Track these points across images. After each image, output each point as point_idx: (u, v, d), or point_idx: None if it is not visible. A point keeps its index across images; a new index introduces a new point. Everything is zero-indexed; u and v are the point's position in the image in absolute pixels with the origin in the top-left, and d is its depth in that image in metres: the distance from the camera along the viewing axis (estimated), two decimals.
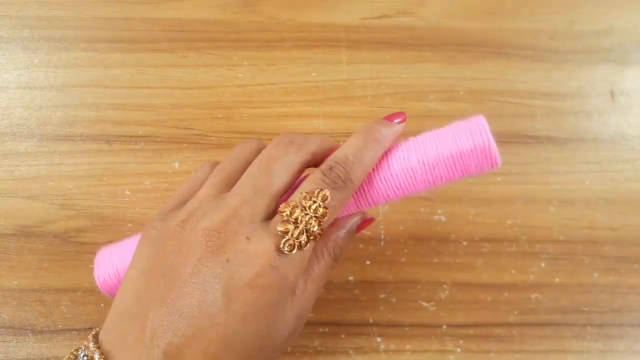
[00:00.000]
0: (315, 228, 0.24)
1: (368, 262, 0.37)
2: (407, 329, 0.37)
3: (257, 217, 0.25)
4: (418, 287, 0.37)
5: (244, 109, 0.39)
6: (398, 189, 0.27)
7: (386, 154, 0.28)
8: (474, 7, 0.42)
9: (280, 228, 0.24)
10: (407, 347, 0.37)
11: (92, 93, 0.39)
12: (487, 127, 0.26)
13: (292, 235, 0.24)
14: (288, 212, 0.24)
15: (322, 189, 0.25)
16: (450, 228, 0.38)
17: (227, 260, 0.23)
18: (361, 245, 0.38)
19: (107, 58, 0.39)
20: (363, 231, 0.37)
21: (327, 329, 0.36)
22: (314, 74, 0.40)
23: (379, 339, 0.37)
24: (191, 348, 0.22)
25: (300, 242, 0.24)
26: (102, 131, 0.38)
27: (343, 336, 0.36)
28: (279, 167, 0.26)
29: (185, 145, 0.38)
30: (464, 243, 0.38)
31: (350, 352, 0.36)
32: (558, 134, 0.40)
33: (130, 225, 0.37)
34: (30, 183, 0.37)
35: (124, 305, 0.24)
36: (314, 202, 0.24)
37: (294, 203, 0.24)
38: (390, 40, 0.41)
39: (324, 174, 0.26)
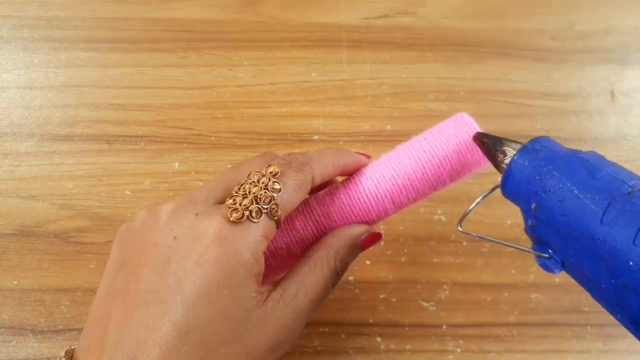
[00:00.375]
0: (267, 200, 0.23)
1: (368, 262, 0.37)
2: (407, 329, 0.37)
3: (211, 198, 0.24)
4: (418, 287, 0.37)
5: (244, 109, 0.39)
6: (399, 196, 0.28)
7: (380, 163, 0.28)
8: (474, 7, 0.42)
9: (229, 201, 0.23)
10: (407, 347, 0.36)
11: (92, 93, 0.39)
12: (473, 121, 0.27)
13: (240, 204, 0.23)
14: (237, 188, 0.24)
15: (270, 165, 0.25)
16: (450, 228, 0.38)
17: (175, 238, 0.22)
18: None
19: (107, 58, 0.39)
20: None
21: (327, 329, 0.36)
22: (314, 74, 0.40)
23: (379, 339, 0.37)
24: (146, 345, 0.20)
25: (250, 212, 0.23)
26: (102, 131, 0.38)
27: (343, 336, 0.36)
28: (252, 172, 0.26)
29: (185, 145, 0.38)
30: (464, 243, 0.38)
31: (350, 352, 0.36)
32: (558, 134, 0.40)
33: None
34: (30, 183, 0.37)
35: (93, 307, 0.23)
36: (263, 175, 0.24)
37: (243, 181, 0.24)
38: (391, 40, 0.41)
39: (280, 157, 0.26)
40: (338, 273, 0.26)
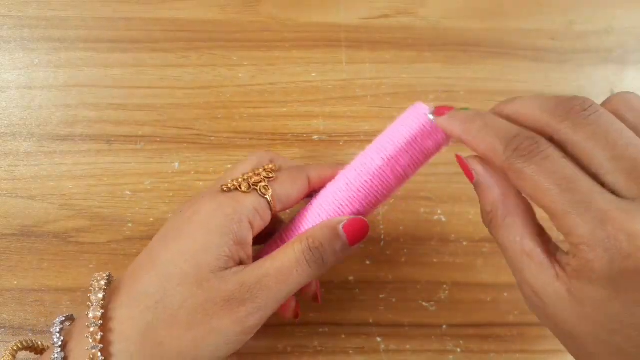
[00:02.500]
0: (258, 181, 0.27)
1: (368, 262, 0.37)
2: (407, 329, 0.37)
3: (219, 187, 0.28)
4: (418, 287, 0.37)
5: (243, 109, 0.39)
6: (375, 192, 0.28)
7: (351, 164, 0.29)
8: (474, 7, 0.42)
9: (228, 185, 0.27)
10: (407, 347, 0.37)
11: (92, 93, 0.39)
12: (425, 107, 0.28)
13: (232, 181, 0.27)
14: (238, 176, 0.28)
15: (271, 162, 0.29)
16: (450, 228, 0.38)
17: (181, 211, 0.27)
18: (361, 245, 0.38)
19: (107, 58, 0.39)
20: None
21: (327, 329, 0.36)
22: (314, 74, 0.40)
23: (379, 339, 0.37)
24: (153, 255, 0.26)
25: (239, 185, 0.27)
26: (102, 131, 0.38)
27: (343, 336, 0.36)
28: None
29: (185, 145, 0.38)
30: (464, 243, 0.38)
31: (350, 352, 0.36)
32: None
33: (130, 225, 0.37)
34: (30, 183, 0.37)
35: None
36: (263, 168, 0.28)
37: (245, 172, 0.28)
38: (390, 40, 0.41)
39: (282, 157, 0.31)
40: (311, 249, 0.26)
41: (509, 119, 0.23)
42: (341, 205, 0.28)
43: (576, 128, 0.20)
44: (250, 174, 0.28)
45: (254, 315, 0.24)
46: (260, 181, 0.27)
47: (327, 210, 0.28)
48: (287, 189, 0.28)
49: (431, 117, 0.27)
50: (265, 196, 0.27)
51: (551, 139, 0.21)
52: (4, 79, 0.39)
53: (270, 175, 0.28)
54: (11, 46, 0.39)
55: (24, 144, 0.38)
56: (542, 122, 0.22)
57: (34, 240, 0.36)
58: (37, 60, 0.39)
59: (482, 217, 0.25)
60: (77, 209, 0.37)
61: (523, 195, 0.23)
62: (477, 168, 0.24)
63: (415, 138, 0.27)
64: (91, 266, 0.36)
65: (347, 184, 0.28)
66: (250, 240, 0.26)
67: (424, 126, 0.27)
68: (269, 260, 0.26)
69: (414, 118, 0.28)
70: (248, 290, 0.24)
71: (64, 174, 0.37)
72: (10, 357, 0.25)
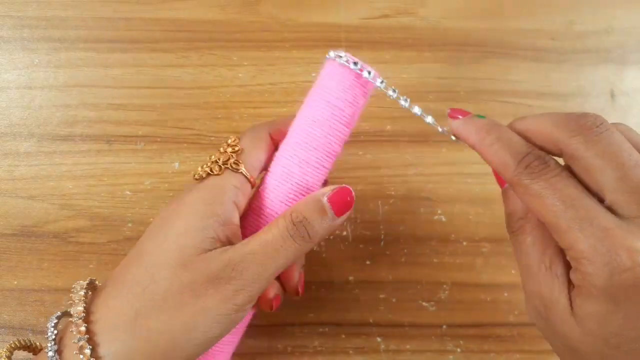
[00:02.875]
0: (227, 158, 0.27)
1: (368, 262, 0.37)
2: (407, 329, 0.37)
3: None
4: (418, 287, 0.37)
5: (243, 109, 0.39)
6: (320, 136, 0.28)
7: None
8: (474, 7, 0.42)
9: (199, 173, 0.27)
10: (407, 347, 0.37)
11: (92, 93, 0.39)
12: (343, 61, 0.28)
13: (203, 167, 0.27)
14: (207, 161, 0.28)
15: (229, 138, 0.29)
16: (450, 228, 0.38)
17: (164, 208, 0.27)
18: (361, 245, 0.38)
19: (107, 58, 0.39)
20: (363, 231, 0.37)
21: (327, 329, 0.36)
22: (314, 74, 0.40)
23: (379, 339, 0.37)
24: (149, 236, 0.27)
25: (211, 169, 0.27)
26: (102, 131, 0.38)
27: (343, 336, 0.36)
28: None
29: (185, 145, 0.38)
30: (464, 243, 0.38)
31: (350, 352, 0.36)
32: None
33: (130, 225, 0.37)
34: (30, 183, 0.37)
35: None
36: (226, 145, 0.28)
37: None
38: (390, 40, 0.41)
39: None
40: (295, 224, 0.26)
41: (522, 134, 0.24)
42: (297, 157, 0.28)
43: (587, 144, 0.21)
44: (217, 155, 0.28)
45: (241, 292, 0.24)
46: (229, 158, 0.27)
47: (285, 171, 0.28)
48: (255, 154, 0.28)
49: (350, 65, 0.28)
50: (240, 170, 0.27)
51: (561, 153, 0.22)
52: (4, 79, 0.39)
53: (236, 148, 0.28)
54: (11, 46, 0.39)
55: (24, 144, 0.38)
56: (554, 136, 0.22)
57: (34, 240, 0.36)
58: (37, 60, 0.39)
59: (508, 222, 0.25)
60: (77, 209, 0.37)
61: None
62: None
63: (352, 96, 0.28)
64: (91, 266, 0.36)
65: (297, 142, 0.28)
66: (236, 219, 0.26)
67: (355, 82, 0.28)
68: (255, 238, 0.26)
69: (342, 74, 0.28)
70: (233, 268, 0.24)
71: (64, 174, 0.37)
72: (8, 353, 0.26)
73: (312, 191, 0.28)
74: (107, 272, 0.36)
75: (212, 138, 0.39)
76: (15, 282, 0.36)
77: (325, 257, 0.37)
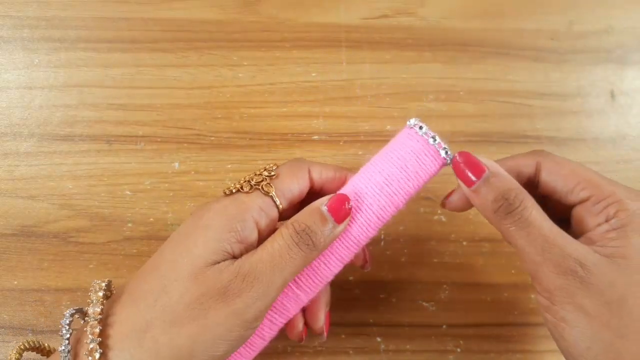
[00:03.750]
0: (259, 180, 0.27)
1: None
2: (407, 329, 0.37)
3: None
4: (418, 287, 0.37)
5: (243, 109, 0.39)
6: (378, 211, 0.28)
7: (352, 184, 0.29)
8: (474, 7, 0.42)
9: (230, 188, 0.27)
10: (407, 347, 0.37)
11: (92, 93, 0.39)
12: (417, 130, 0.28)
13: (235, 184, 0.27)
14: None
15: (270, 164, 0.29)
16: (450, 228, 0.38)
17: (189, 218, 0.27)
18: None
19: (107, 58, 0.39)
20: None
21: None
22: (314, 74, 0.40)
23: (379, 339, 0.37)
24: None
25: (242, 186, 0.27)
26: (102, 131, 0.38)
27: (343, 336, 0.36)
28: None
29: (185, 145, 0.38)
30: (464, 243, 0.38)
31: (350, 352, 0.36)
32: (558, 133, 0.40)
33: (130, 225, 0.37)
34: (30, 183, 0.37)
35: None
36: (263, 168, 0.29)
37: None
38: (390, 40, 0.41)
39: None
40: (298, 232, 0.26)
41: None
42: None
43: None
44: (252, 175, 0.28)
45: (251, 306, 0.24)
46: (262, 180, 0.27)
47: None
48: (288, 183, 0.28)
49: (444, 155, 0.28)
50: (269, 194, 0.27)
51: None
52: (4, 79, 0.39)
53: (272, 173, 0.28)
54: (11, 46, 0.39)
55: (24, 144, 0.38)
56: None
57: (34, 240, 0.36)
58: (37, 60, 0.39)
59: (497, 207, 0.26)
60: (77, 209, 0.37)
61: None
62: (492, 164, 0.27)
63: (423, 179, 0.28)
64: (91, 266, 0.36)
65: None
66: (254, 239, 0.26)
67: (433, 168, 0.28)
68: (262, 248, 0.26)
69: (427, 158, 0.28)
70: (243, 279, 0.24)
71: (64, 174, 0.37)
72: (17, 356, 0.26)
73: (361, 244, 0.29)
74: (107, 272, 0.36)
75: (212, 138, 0.39)
76: (15, 282, 0.36)
77: None
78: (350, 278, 0.37)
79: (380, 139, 0.39)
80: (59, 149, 0.38)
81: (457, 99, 0.40)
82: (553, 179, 0.27)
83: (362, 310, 0.37)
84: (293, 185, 0.28)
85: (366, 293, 0.37)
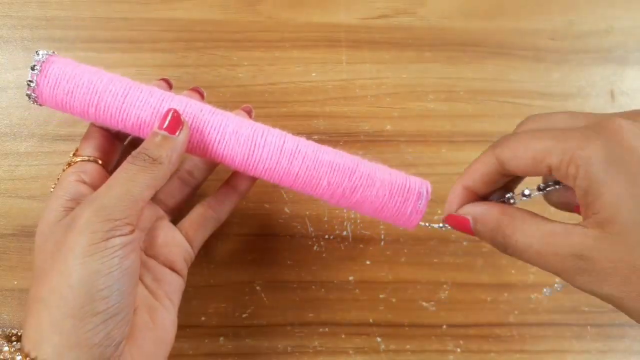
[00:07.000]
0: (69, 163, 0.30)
1: (368, 262, 0.37)
2: (407, 329, 0.37)
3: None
4: (418, 287, 0.37)
5: None
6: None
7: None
8: (474, 7, 0.42)
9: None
10: (407, 347, 0.37)
11: None
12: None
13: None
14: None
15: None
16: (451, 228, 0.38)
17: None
18: (361, 245, 0.38)
19: (107, 58, 0.39)
20: (363, 231, 0.37)
21: (327, 329, 0.36)
22: (313, 74, 0.40)
23: (379, 339, 0.37)
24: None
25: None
26: None
27: (343, 336, 0.36)
28: None
29: None
30: (464, 243, 0.38)
31: (350, 352, 0.36)
32: None
33: None
34: (30, 183, 0.37)
35: None
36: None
37: None
38: (390, 40, 0.41)
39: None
40: (133, 155, 0.26)
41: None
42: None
43: None
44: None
45: (100, 213, 0.25)
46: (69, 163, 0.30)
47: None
48: (85, 146, 0.31)
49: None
50: (72, 161, 0.29)
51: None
52: (4, 79, 0.39)
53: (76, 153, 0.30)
54: (11, 46, 0.39)
55: (24, 144, 0.38)
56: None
57: (34, 240, 0.36)
58: None
59: (495, 241, 0.27)
60: None
61: None
62: (470, 210, 0.27)
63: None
64: None
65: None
66: (85, 191, 0.28)
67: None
68: (105, 181, 0.27)
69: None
70: (82, 206, 0.26)
71: None
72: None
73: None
74: None
75: None
76: (15, 282, 0.36)
77: (325, 257, 0.37)
78: (350, 278, 0.37)
79: (380, 139, 0.39)
80: (59, 149, 0.38)
81: (456, 99, 0.40)
82: (515, 165, 0.25)
83: (362, 310, 0.37)
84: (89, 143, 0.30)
85: (366, 293, 0.37)
